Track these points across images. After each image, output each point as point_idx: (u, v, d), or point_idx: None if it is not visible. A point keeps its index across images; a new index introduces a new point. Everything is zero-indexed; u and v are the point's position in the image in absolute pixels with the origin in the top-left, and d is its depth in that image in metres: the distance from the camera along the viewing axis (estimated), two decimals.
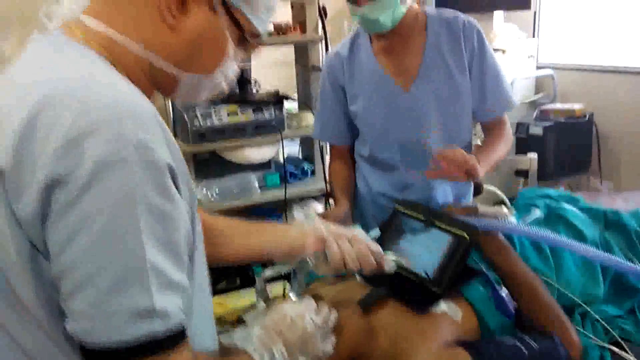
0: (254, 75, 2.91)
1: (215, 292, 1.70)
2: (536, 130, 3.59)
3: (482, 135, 1.84)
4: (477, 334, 1.24)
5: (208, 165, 2.59)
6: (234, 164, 2.62)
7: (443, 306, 1.21)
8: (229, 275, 2.10)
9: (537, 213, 1.49)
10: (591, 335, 1.27)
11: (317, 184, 2.77)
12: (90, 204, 0.64)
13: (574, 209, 1.55)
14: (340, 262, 1.09)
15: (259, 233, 1.14)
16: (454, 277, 1.22)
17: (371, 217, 1.89)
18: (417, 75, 1.66)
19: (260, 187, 2.68)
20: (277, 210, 2.77)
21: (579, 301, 1.34)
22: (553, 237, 1.28)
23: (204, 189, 2.52)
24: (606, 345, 1.26)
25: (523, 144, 3.54)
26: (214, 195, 2.53)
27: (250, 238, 1.13)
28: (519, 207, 1.75)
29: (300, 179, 2.79)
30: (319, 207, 2.78)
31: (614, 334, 1.29)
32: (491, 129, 1.75)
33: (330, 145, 1.98)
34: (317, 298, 1.19)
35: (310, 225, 1.12)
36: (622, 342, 1.28)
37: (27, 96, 0.68)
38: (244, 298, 1.40)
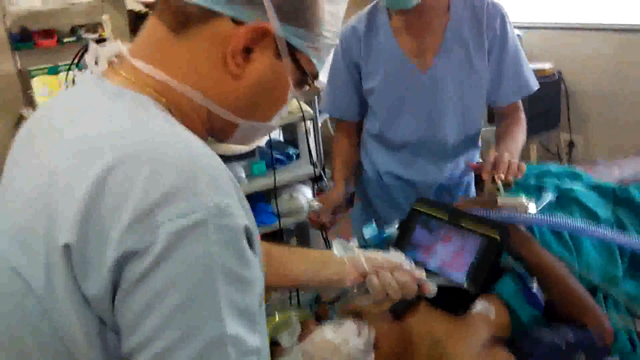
0: None
1: None
2: None
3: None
4: (509, 328, 1.25)
5: None
6: (219, 156, 2.55)
7: (478, 305, 1.21)
8: None
9: (549, 196, 1.49)
10: (616, 315, 1.30)
11: (304, 169, 2.73)
12: (166, 276, 0.59)
13: (583, 188, 1.56)
14: (382, 294, 1.06)
15: (297, 261, 1.10)
16: (488, 278, 1.21)
17: (375, 197, 1.87)
18: (436, 56, 1.63)
19: (246, 177, 2.63)
20: (265, 198, 2.73)
21: (601, 283, 1.35)
22: (576, 225, 1.29)
23: None
24: (632, 327, 1.28)
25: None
26: None
27: (288, 266, 1.09)
28: (521, 186, 1.75)
29: (286, 164, 2.75)
30: (308, 191, 2.75)
31: (638, 312, 1.32)
32: (506, 115, 1.75)
33: (336, 121, 1.92)
34: (355, 316, 1.17)
35: (350, 257, 1.08)
36: None
37: (90, 159, 0.62)
38: None
